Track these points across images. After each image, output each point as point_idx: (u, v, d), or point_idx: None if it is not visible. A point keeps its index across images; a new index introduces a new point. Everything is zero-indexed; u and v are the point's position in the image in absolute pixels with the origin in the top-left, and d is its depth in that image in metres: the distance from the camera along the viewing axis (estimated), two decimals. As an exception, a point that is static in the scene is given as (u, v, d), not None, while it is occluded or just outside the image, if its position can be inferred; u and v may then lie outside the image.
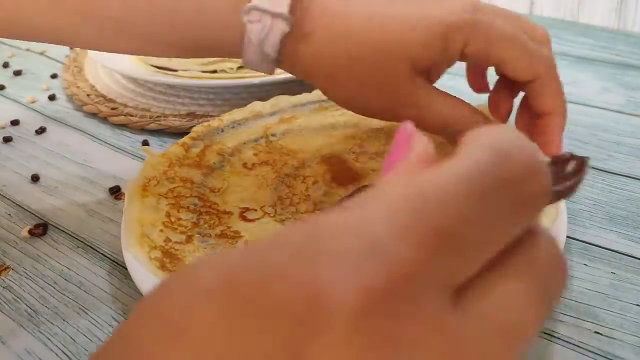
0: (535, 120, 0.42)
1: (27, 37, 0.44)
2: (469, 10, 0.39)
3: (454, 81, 0.67)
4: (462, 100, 0.42)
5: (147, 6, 0.40)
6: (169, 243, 0.41)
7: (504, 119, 0.45)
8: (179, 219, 0.43)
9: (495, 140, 0.19)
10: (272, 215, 0.44)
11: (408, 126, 0.21)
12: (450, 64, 0.41)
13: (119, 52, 0.45)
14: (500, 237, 0.18)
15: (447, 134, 0.41)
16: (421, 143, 0.20)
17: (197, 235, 0.42)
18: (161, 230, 0.42)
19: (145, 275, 0.38)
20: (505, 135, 0.19)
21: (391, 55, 0.39)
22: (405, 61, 0.39)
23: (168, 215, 0.43)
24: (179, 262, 0.39)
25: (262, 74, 0.63)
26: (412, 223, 0.16)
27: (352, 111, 0.43)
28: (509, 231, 0.18)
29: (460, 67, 0.70)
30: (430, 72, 0.41)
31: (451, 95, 0.41)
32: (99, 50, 0.46)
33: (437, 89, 0.41)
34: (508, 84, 0.44)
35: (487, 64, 0.42)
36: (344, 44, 0.40)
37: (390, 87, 0.40)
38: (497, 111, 0.45)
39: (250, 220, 0.44)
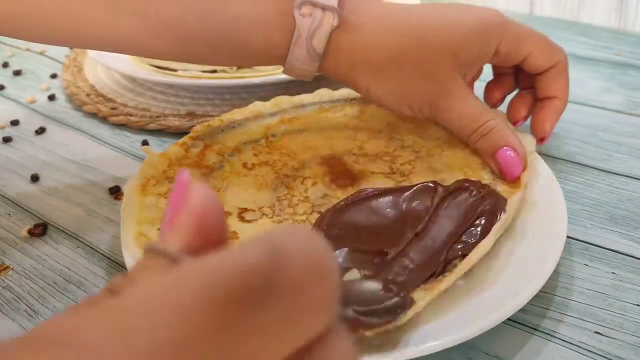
0: (534, 104, 0.50)
1: (89, 46, 0.47)
2: (498, 15, 0.46)
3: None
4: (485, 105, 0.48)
5: (191, 9, 0.42)
6: None
7: (494, 105, 0.52)
8: None
9: (279, 239, 0.15)
10: (270, 216, 0.44)
11: (184, 176, 0.19)
12: (484, 61, 0.47)
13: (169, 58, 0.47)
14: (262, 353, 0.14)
15: (470, 132, 0.45)
16: (199, 196, 0.18)
17: None
18: (158, 229, 0.42)
19: None
20: (295, 236, 0.16)
21: (436, 48, 0.44)
22: (448, 53, 0.44)
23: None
24: None
25: (262, 73, 0.63)
26: (140, 340, 0.13)
27: (390, 108, 0.47)
28: (275, 344, 0.15)
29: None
30: (467, 70, 0.45)
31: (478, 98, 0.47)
32: (153, 57, 0.49)
33: (470, 89, 0.46)
34: (506, 81, 0.52)
35: (515, 60, 0.47)
36: (393, 37, 0.44)
37: (433, 78, 0.44)
38: (491, 98, 0.51)
39: (248, 221, 0.44)
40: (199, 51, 0.44)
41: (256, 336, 0.14)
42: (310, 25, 0.42)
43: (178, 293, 0.14)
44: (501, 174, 0.44)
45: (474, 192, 0.42)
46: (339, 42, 0.44)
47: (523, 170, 0.44)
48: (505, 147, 0.44)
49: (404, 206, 0.42)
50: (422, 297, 0.35)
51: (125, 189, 0.45)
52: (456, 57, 0.44)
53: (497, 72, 0.52)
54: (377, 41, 0.44)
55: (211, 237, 0.18)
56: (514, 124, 0.50)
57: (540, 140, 0.49)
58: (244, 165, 0.49)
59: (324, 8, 0.42)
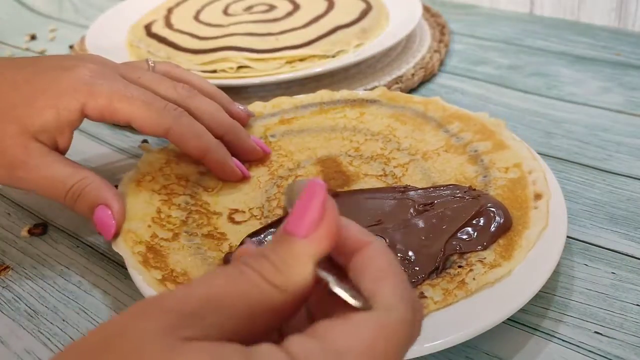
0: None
1: None
2: (83, 78, 0.43)
3: (454, 81, 0.67)
4: (80, 166, 0.43)
5: None
6: (155, 239, 0.41)
7: None
8: (169, 215, 0.43)
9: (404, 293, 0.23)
10: (258, 217, 0.44)
11: (320, 182, 0.24)
12: (70, 125, 0.43)
13: None
14: None
15: (62, 197, 0.42)
16: (335, 211, 0.24)
17: (184, 234, 0.42)
18: (149, 226, 0.42)
19: (133, 272, 0.38)
20: None
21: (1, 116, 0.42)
22: (12, 122, 0.41)
23: (159, 211, 0.43)
24: (163, 259, 0.39)
25: (262, 74, 0.63)
26: None
27: None
28: None
29: (460, 68, 0.70)
30: (48, 135, 0.42)
31: (69, 161, 0.43)
32: None
33: (56, 154, 0.43)
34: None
35: (115, 120, 0.44)
36: None
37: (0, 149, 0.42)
38: None
39: (237, 223, 0.44)
40: None
41: None
42: None
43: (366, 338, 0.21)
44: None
45: (466, 191, 0.42)
46: None
47: (116, 232, 0.41)
48: (100, 206, 0.41)
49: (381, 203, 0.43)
50: (431, 293, 0.36)
51: (120, 185, 0.45)
52: (24, 124, 0.41)
53: None
54: None
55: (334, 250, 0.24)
56: None
57: None
58: None
59: None
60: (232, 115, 0.49)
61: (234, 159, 0.47)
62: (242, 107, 0.52)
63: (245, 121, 0.52)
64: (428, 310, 0.35)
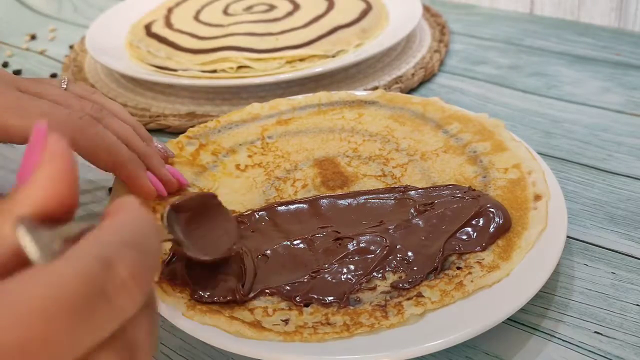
0: None
1: None
2: None
3: (453, 81, 0.67)
4: None
5: None
6: None
7: None
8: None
9: (103, 247, 0.19)
10: None
11: (42, 127, 0.21)
12: None
13: None
14: (90, 341, 0.19)
15: None
16: (57, 158, 0.21)
17: None
18: None
19: None
20: (123, 228, 0.20)
21: None
22: None
23: (154, 211, 0.43)
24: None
25: (263, 74, 0.63)
26: None
27: None
28: (98, 335, 0.19)
29: (460, 68, 0.70)
30: None
31: None
32: None
33: None
34: None
35: (9, 138, 0.40)
36: None
37: None
38: None
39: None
40: None
41: (87, 337, 0.18)
42: None
43: (21, 300, 0.17)
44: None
45: (466, 192, 0.42)
46: None
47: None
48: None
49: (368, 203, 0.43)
50: (429, 294, 0.36)
51: (113, 186, 0.45)
52: None
53: None
54: None
55: (64, 202, 0.21)
56: None
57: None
58: (237, 166, 0.49)
59: None
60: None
61: (149, 173, 0.43)
62: (160, 146, 0.47)
63: (164, 161, 0.46)
64: (425, 310, 0.35)
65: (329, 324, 0.35)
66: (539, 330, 0.37)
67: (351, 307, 0.36)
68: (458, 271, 0.37)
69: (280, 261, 0.39)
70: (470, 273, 0.37)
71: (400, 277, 0.37)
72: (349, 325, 0.34)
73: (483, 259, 0.38)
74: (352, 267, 0.38)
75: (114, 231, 0.20)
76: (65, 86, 0.44)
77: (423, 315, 0.35)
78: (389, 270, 0.38)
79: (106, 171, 0.42)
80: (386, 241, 0.39)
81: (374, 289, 0.37)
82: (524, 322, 0.38)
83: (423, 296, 0.36)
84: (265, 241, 0.41)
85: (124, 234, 0.20)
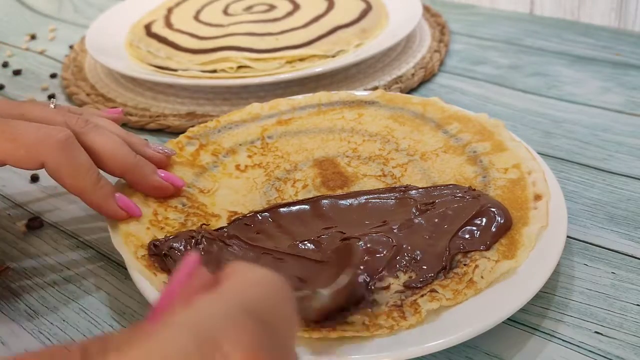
0: None
1: None
2: None
3: (453, 81, 0.67)
4: None
5: None
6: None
7: None
8: (166, 217, 0.43)
9: (206, 320, 0.17)
10: None
11: (193, 258, 0.21)
12: None
13: None
14: None
15: None
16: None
17: None
18: (148, 228, 0.42)
19: (138, 277, 0.38)
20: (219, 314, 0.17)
21: None
22: None
23: (155, 213, 0.43)
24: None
25: (263, 74, 0.63)
26: None
27: None
28: None
29: (460, 68, 0.70)
30: None
31: None
32: None
33: None
34: None
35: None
36: None
37: None
38: None
39: None
40: None
41: None
42: None
43: None
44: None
45: (466, 191, 0.42)
46: None
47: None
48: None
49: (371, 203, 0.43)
50: (442, 292, 0.36)
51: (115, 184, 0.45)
52: None
53: None
54: None
55: None
56: None
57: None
58: (237, 167, 0.49)
59: None
60: (147, 158, 0.44)
61: (120, 195, 0.42)
62: (160, 148, 0.46)
63: (165, 163, 0.46)
64: (441, 305, 0.35)
65: (346, 323, 0.34)
66: (539, 330, 0.37)
67: (369, 310, 0.35)
68: (465, 267, 0.37)
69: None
70: (477, 267, 0.37)
71: (410, 277, 0.37)
72: (367, 325, 0.34)
73: (488, 258, 0.38)
74: (362, 267, 0.37)
75: (228, 297, 0.18)
76: (53, 106, 0.44)
77: (439, 313, 0.35)
78: (399, 269, 0.37)
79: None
80: (393, 241, 0.39)
81: (387, 288, 0.37)
82: (524, 322, 0.38)
83: (437, 292, 0.36)
84: (272, 243, 0.41)
85: (241, 299, 0.17)
